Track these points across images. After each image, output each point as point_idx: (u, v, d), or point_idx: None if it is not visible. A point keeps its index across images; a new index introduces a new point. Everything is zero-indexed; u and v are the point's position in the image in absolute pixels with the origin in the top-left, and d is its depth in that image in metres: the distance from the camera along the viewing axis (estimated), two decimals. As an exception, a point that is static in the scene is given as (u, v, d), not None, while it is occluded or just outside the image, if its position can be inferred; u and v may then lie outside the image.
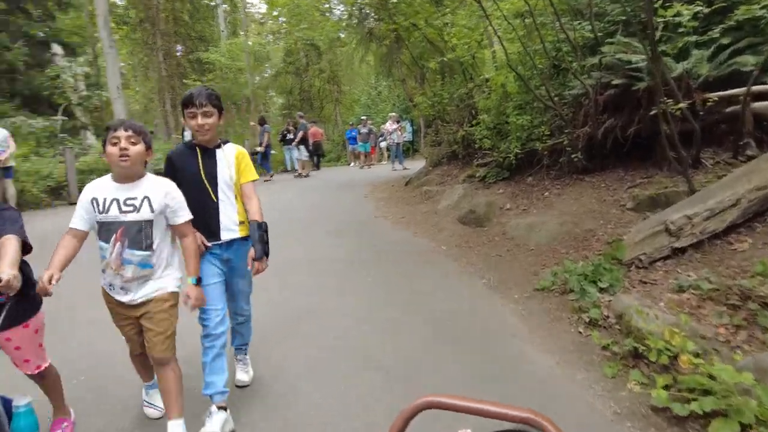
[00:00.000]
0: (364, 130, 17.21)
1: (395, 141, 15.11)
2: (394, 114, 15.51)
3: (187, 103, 2.34)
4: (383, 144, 19.83)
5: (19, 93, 18.18)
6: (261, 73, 26.94)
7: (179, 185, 2.27)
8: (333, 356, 3.05)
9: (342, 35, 17.25)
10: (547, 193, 5.90)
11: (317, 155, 18.14)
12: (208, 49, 15.36)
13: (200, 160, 2.42)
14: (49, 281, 1.88)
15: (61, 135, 12.53)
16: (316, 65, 21.01)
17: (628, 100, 5.06)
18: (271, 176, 13.31)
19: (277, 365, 2.98)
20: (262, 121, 13.18)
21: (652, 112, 4.26)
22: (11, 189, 8.69)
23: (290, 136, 16.43)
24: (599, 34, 5.40)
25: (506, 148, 6.88)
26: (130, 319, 2.23)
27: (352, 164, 18.07)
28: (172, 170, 2.44)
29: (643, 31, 4.33)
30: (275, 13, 20.85)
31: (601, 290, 3.41)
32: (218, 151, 2.48)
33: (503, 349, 3.11)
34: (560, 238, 4.68)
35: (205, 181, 2.41)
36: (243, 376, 2.77)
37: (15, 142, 10.41)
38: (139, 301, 2.17)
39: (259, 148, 12.86)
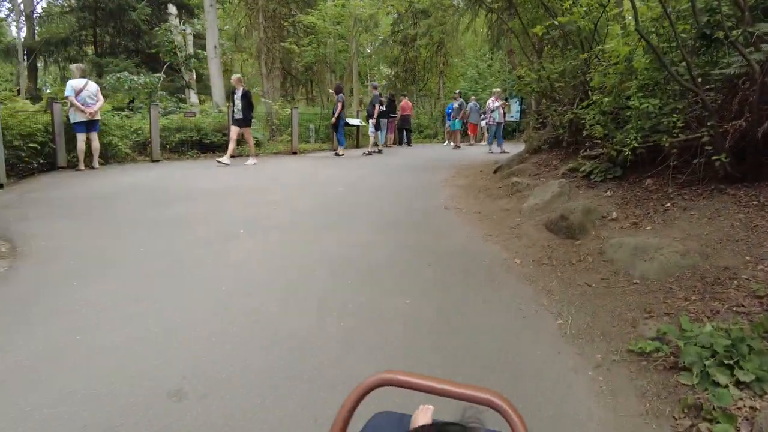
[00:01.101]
0: (455, 106, 15.98)
1: (496, 120, 13.63)
2: (498, 89, 13.98)
3: None
4: (484, 123, 18.37)
5: (141, 51, 19.31)
6: (370, 42, 26.29)
7: None
8: None
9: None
10: (669, 204, 4.45)
11: (406, 130, 17.19)
12: (309, 12, 14.76)
13: None
14: None
15: (161, 92, 12.81)
16: (423, 34, 19.76)
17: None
18: (342, 152, 12.53)
19: None
20: (337, 89, 12.39)
21: None
22: (95, 142, 8.81)
23: (383, 108, 15.64)
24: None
25: (622, 140, 5.42)
26: None
27: (446, 143, 16.84)
28: None
29: None
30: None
31: (741, 385, 2.14)
32: None
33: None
34: (679, 273, 3.34)
35: None
36: None
37: (116, 97, 10.71)
38: None
39: (343, 119, 12.22)
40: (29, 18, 18.66)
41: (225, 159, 9.59)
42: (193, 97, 16.77)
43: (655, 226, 4.22)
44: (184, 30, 15.74)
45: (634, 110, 4.88)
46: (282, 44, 14.50)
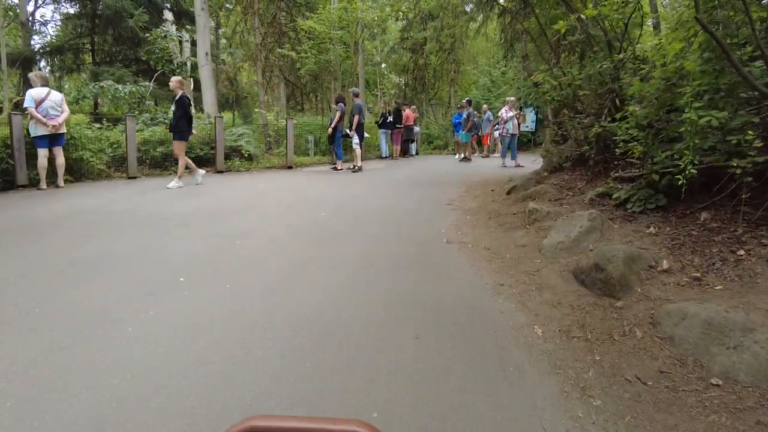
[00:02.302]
0: (463, 116, 14.70)
1: (510, 131, 12.52)
2: (512, 98, 12.85)
3: None
4: (497, 133, 17.27)
5: (139, 59, 18.57)
6: (379, 49, 25.36)
7: None
8: None
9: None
10: (742, 252, 3.32)
11: (409, 141, 16.18)
12: (309, 17, 13.78)
13: None
14: None
15: (149, 102, 11.93)
16: (432, 38, 18.73)
17: None
18: (340, 166, 11.47)
19: None
20: (339, 99, 11.34)
21: None
22: (60, 158, 7.90)
23: (390, 118, 14.64)
24: None
25: (665, 160, 4.31)
26: None
27: (458, 156, 15.74)
28: None
29: None
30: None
31: None
32: None
33: None
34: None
35: None
36: None
37: (99, 106, 9.77)
38: None
39: (341, 130, 11.19)
40: (24, 26, 18.02)
41: (173, 183, 8.17)
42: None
43: (728, 284, 3.08)
44: (180, 36, 14.92)
45: (690, 124, 3.74)
46: (279, 50, 13.55)
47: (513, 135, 12.64)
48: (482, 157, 15.93)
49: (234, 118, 22.20)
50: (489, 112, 16.51)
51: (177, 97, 8.05)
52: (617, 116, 5.57)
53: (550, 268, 4.09)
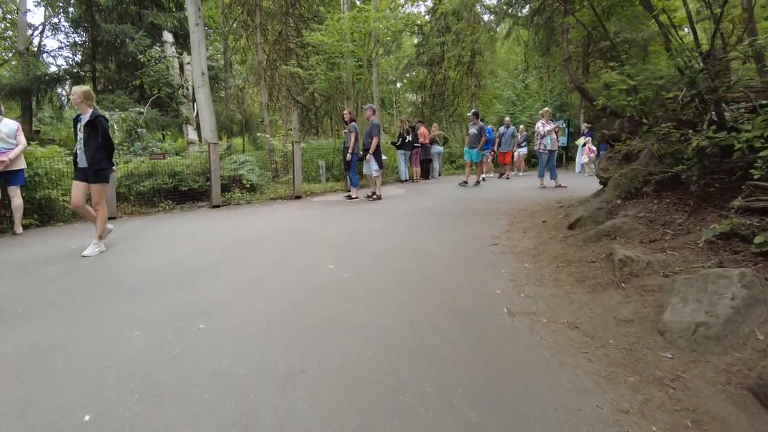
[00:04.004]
0: (471, 130, 11.99)
1: (547, 147, 10.91)
2: (547, 109, 11.25)
3: None
4: (522, 150, 15.58)
5: (141, 85, 17.55)
6: (394, 66, 24.12)
7: None
8: None
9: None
10: None
11: (428, 161, 14.69)
12: (313, 30, 12.43)
13: None
14: None
15: (141, 129, 10.65)
16: (455, 45, 17.33)
17: None
18: (355, 194, 9.98)
19: None
20: (350, 118, 9.81)
21: None
22: (16, 199, 6.54)
23: (409, 138, 13.17)
24: None
25: None
26: None
27: (483, 175, 14.13)
28: None
29: None
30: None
31: None
32: None
33: None
34: None
35: None
36: None
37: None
38: None
39: (356, 154, 9.67)
40: (22, 55, 17.17)
41: (90, 249, 5.42)
42: (191, 133, 14.64)
43: None
44: (180, 57, 13.76)
45: None
46: (285, 67, 12.23)
47: (551, 152, 11.04)
48: (504, 177, 14.17)
49: (244, 143, 21.02)
50: (512, 127, 14.84)
51: (88, 118, 5.28)
52: (730, 124, 3.98)
53: (698, 375, 2.46)
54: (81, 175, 5.42)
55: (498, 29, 11.90)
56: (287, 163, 12.25)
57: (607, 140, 8.04)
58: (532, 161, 18.28)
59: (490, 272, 4.43)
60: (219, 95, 20.30)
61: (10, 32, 22.14)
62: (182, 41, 16.37)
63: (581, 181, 12.72)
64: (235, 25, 14.02)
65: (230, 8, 16.14)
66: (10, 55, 21.68)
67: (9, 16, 21.81)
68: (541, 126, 10.86)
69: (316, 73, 12.35)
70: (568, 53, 8.53)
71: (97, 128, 5.29)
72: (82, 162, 5.38)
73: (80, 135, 5.36)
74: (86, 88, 5.40)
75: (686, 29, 6.05)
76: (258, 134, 11.98)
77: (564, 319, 3.31)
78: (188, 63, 15.14)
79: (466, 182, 11.97)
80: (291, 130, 17.17)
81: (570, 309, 3.47)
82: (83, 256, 5.26)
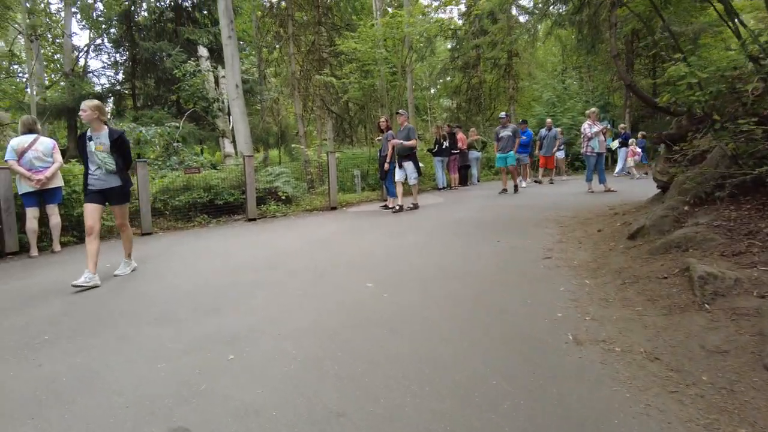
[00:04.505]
0: (504, 133, 11.04)
1: (595, 150, 10.31)
2: (594, 110, 10.63)
3: None
4: (560, 154, 14.84)
5: (178, 100, 17.86)
6: (427, 72, 23.79)
7: None
8: None
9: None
10: None
11: (466, 167, 14.19)
12: (349, 37, 12.20)
13: None
14: None
15: (176, 143, 10.68)
16: (490, 54, 16.86)
17: None
18: (392, 204, 9.62)
19: None
20: (385, 126, 9.46)
21: None
22: (54, 218, 6.53)
23: (446, 144, 12.78)
24: None
25: None
26: None
27: (524, 182, 13.52)
28: None
29: None
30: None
31: None
32: None
33: None
34: None
35: None
36: None
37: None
38: None
39: (393, 163, 9.27)
40: (67, 76, 17.76)
41: (121, 269, 5.29)
42: (228, 147, 14.73)
43: None
44: (215, 72, 13.87)
45: None
46: (318, 76, 12.08)
47: (599, 154, 10.42)
48: (547, 181, 13.46)
49: (280, 155, 21.10)
50: (555, 129, 14.11)
51: (110, 136, 4.84)
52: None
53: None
54: (98, 197, 4.90)
55: (539, 27, 11.27)
56: (322, 173, 12.07)
57: (664, 140, 7.42)
58: (575, 165, 17.56)
59: (546, 291, 3.99)
60: (254, 108, 20.47)
61: (58, 55, 23.06)
62: (217, 55, 16.56)
63: (628, 184, 12.01)
64: (268, 38, 13.99)
65: (263, 21, 16.20)
66: (58, 76, 22.52)
67: (58, 41, 22.74)
68: (588, 127, 10.26)
69: (349, 82, 12.14)
70: (616, 49, 7.92)
71: (123, 146, 4.95)
72: (103, 182, 4.88)
73: (100, 155, 4.81)
74: (98, 102, 4.88)
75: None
76: (293, 145, 11.78)
77: (640, 347, 2.85)
78: (223, 77, 15.28)
79: (505, 190, 11.24)
80: (326, 140, 17.06)
81: (645, 335, 3.01)
82: (115, 275, 5.14)
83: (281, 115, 21.00)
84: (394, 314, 3.57)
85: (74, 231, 7.32)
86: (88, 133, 4.83)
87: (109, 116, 19.23)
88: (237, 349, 3.08)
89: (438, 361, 2.80)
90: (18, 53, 22.64)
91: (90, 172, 4.86)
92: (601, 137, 10.34)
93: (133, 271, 5.31)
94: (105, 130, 4.85)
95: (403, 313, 3.59)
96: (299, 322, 3.52)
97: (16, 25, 20.85)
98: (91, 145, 4.80)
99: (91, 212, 4.83)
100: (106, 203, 5.00)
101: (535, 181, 13.22)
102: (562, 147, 14.96)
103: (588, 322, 3.29)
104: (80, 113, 4.75)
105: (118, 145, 4.89)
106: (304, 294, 4.20)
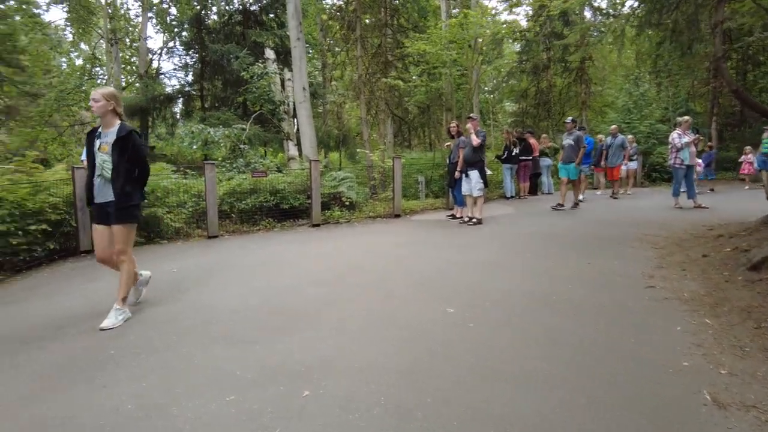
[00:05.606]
0: (566, 141, 10.02)
1: (685, 162, 9.42)
2: (687, 118, 9.67)
3: None
4: (633, 165, 13.56)
5: (244, 102, 18.17)
6: (493, 77, 23.10)
7: None
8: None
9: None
10: None
11: (535, 175, 13.40)
12: (418, 38, 11.82)
13: None
14: None
15: (244, 146, 10.71)
16: (572, 56, 16.02)
17: None
18: (460, 214, 9.13)
19: None
20: (456, 132, 8.99)
21: None
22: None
23: (516, 150, 12.17)
24: None
25: None
26: None
27: (599, 192, 12.60)
28: None
29: None
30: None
31: None
32: None
33: None
34: None
35: None
36: None
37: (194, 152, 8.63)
38: None
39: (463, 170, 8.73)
40: (141, 78, 18.51)
41: (109, 320, 3.76)
42: (292, 149, 14.78)
43: None
44: (281, 74, 13.92)
45: None
46: (384, 80, 11.81)
47: (689, 166, 9.48)
48: (612, 195, 12.24)
49: (341, 158, 21.09)
50: (621, 136, 12.72)
51: (115, 133, 3.78)
52: None
53: None
54: (103, 214, 3.86)
55: (621, 27, 10.43)
56: (385, 178, 11.77)
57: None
58: (653, 176, 16.35)
59: (659, 330, 3.43)
60: (316, 111, 20.58)
61: (134, 58, 24.19)
62: (283, 58, 16.68)
63: (710, 198, 10.91)
64: (333, 41, 13.90)
65: (328, 24, 16.16)
66: (133, 78, 23.61)
67: (135, 44, 23.89)
68: (678, 137, 9.35)
69: (416, 85, 11.78)
70: (721, 50, 7.06)
71: (128, 147, 3.76)
72: (102, 195, 3.83)
73: (101, 157, 3.78)
74: (112, 89, 3.90)
75: None
76: (358, 150, 11.58)
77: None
78: (289, 79, 15.35)
79: (561, 205, 10.04)
80: (386, 143, 16.80)
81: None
82: (102, 329, 3.67)
83: (343, 119, 20.97)
84: (485, 354, 3.13)
85: (142, 231, 7.37)
86: (99, 129, 3.86)
87: (177, 116, 19.94)
88: (311, 384, 2.75)
89: (554, 425, 2.34)
90: (100, 57, 23.93)
91: (93, 178, 3.87)
92: (693, 148, 9.41)
93: (126, 320, 3.86)
94: (116, 125, 3.81)
95: (495, 351, 3.14)
96: (376, 353, 3.16)
97: (99, 30, 22.05)
98: (97, 144, 3.81)
99: (98, 239, 3.90)
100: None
101: (613, 197, 12.07)
102: (635, 157, 13.75)
103: (725, 377, 2.73)
104: (90, 103, 3.80)
105: (121, 145, 3.74)
106: (377, 317, 3.85)
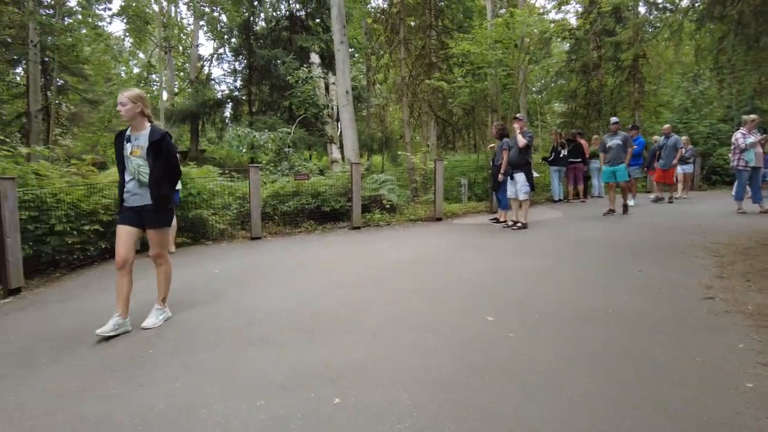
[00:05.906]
0: (612, 142, 9.37)
1: (750, 164, 8.81)
2: (753, 116, 9.04)
3: None
4: (688, 168, 12.60)
5: (289, 106, 18.50)
6: (540, 77, 22.53)
7: None
8: None
9: None
10: None
11: (585, 178, 12.81)
12: (462, 38, 11.62)
13: None
14: None
15: (288, 149, 10.86)
16: (609, 57, 15.41)
17: None
18: (503, 218, 8.88)
19: None
20: (501, 133, 8.72)
21: None
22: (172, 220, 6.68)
23: (564, 152, 11.76)
24: None
25: None
26: None
27: (652, 195, 11.97)
28: None
29: None
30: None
31: None
32: None
33: None
34: None
35: None
36: None
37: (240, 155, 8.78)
38: None
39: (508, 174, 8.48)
40: (192, 84, 19.17)
41: (150, 320, 3.93)
42: (335, 152, 14.88)
43: None
44: (325, 78, 14.05)
45: None
46: (428, 82, 11.68)
47: (755, 168, 8.84)
48: (667, 199, 11.50)
49: (383, 161, 21.10)
50: (674, 136, 11.81)
51: (149, 137, 3.74)
52: None
53: None
54: (134, 217, 3.80)
55: (680, 21, 9.80)
56: (426, 181, 11.64)
57: None
58: (713, 179, 15.42)
59: (719, 346, 3.16)
60: (360, 114, 20.70)
61: (186, 65, 25.12)
62: (327, 62, 16.85)
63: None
64: (377, 43, 13.91)
65: (373, 27, 16.20)
66: (185, 84, 24.51)
67: (188, 52, 24.83)
68: (741, 137, 8.73)
69: (460, 86, 11.59)
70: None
71: (162, 151, 3.72)
72: (137, 198, 3.77)
73: (135, 161, 3.73)
74: (139, 91, 3.82)
75: None
76: (399, 152, 11.52)
77: None
78: (333, 83, 15.48)
79: (613, 211, 9.46)
80: (429, 145, 16.65)
81: None
82: (143, 328, 3.82)
83: (386, 122, 20.98)
84: (524, 366, 2.97)
85: (189, 232, 7.57)
86: (127, 133, 3.80)
87: (226, 121, 20.51)
88: (342, 391, 2.68)
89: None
90: (155, 64, 25.03)
91: (125, 182, 3.80)
92: (759, 149, 8.75)
93: (167, 320, 4.00)
94: (147, 129, 3.77)
95: (535, 364, 2.98)
96: (411, 363, 3.05)
97: (154, 39, 23.05)
98: (128, 148, 3.75)
99: (125, 238, 3.77)
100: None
101: (668, 201, 11.38)
102: (690, 160, 12.79)
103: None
104: (118, 107, 3.73)
105: (156, 149, 3.71)
106: (415, 325, 3.74)
